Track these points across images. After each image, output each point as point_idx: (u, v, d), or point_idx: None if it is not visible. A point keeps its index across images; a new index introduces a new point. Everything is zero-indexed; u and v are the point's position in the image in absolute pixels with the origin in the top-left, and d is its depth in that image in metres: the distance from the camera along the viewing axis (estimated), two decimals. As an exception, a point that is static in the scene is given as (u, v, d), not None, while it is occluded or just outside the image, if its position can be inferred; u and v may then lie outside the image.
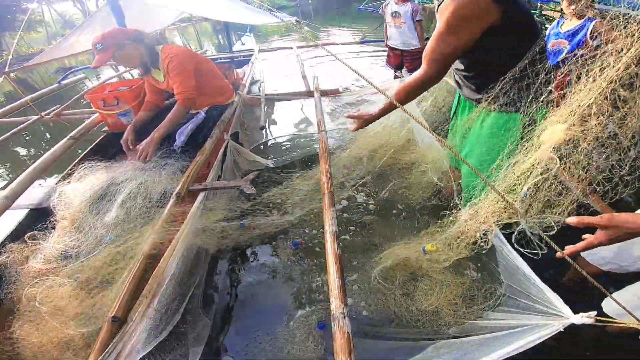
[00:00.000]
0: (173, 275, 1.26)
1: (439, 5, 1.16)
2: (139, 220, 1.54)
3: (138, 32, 1.98)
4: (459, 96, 1.54)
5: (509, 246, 1.33)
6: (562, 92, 2.58)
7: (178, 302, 1.32)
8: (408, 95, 1.29)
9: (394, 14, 3.71)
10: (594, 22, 2.20)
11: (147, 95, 2.21)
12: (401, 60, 3.98)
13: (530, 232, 0.99)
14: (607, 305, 1.13)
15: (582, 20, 2.28)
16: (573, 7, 2.24)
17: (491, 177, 1.29)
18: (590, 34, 2.19)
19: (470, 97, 1.40)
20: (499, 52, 1.17)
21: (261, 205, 1.88)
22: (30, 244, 1.53)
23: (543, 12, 6.69)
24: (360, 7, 8.83)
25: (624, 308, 0.89)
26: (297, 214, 1.94)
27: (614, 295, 1.13)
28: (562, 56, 2.31)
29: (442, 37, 1.14)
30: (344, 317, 0.90)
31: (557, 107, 2.96)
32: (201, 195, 1.63)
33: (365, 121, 1.44)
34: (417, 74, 1.23)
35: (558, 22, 2.49)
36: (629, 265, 1.19)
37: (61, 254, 1.45)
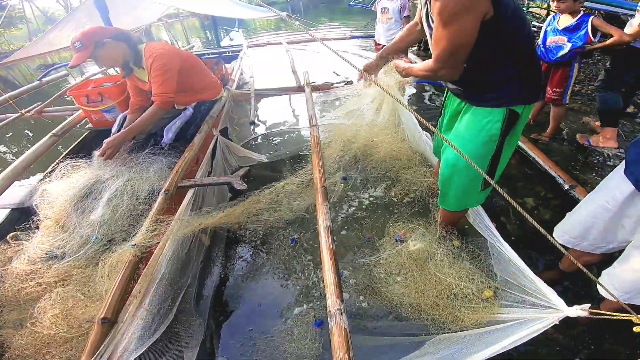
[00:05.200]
0: (164, 274, 1.23)
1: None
2: (127, 219, 1.50)
3: (120, 30, 1.89)
4: (447, 90, 1.52)
5: (500, 238, 1.33)
6: (560, 90, 2.61)
7: (170, 302, 1.29)
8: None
9: (383, 10, 3.70)
10: (591, 19, 2.20)
11: (131, 98, 2.12)
12: None
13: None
14: (603, 290, 1.15)
15: (578, 16, 2.26)
16: (558, 3, 2.26)
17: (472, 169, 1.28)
18: (590, 30, 2.21)
19: (454, 91, 1.38)
20: (488, 45, 1.08)
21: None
22: (13, 245, 1.48)
23: (530, 10, 6.80)
24: (351, 3, 8.80)
25: (613, 295, 0.92)
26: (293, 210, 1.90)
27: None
28: (562, 52, 2.32)
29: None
30: (341, 313, 0.88)
31: (549, 101, 2.99)
32: (190, 192, 1.60)
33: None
34: None
35: (554, 18, 2.47)
36: (615, 247, 1.25)
37: (46, 254, 1.41)
